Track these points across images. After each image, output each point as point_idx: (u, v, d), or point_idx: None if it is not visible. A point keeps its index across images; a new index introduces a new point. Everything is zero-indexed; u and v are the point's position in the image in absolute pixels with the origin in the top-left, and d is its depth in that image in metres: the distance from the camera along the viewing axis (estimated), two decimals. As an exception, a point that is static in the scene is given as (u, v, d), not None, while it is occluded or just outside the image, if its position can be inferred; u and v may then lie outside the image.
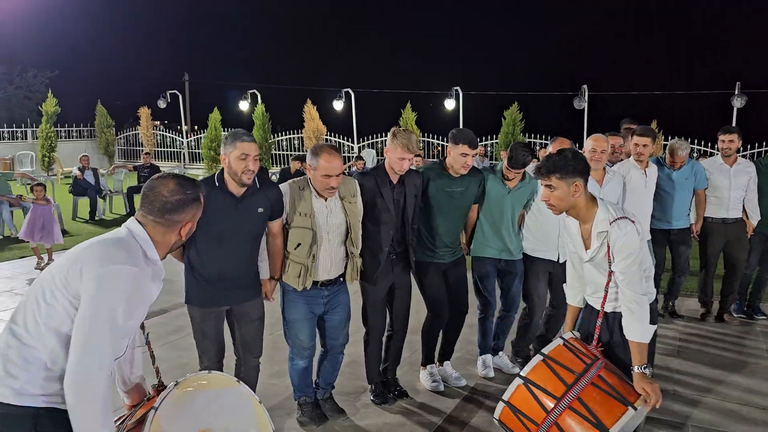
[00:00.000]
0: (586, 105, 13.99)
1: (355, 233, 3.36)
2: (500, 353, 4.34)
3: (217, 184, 3.01)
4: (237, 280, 3.12)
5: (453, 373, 4.12)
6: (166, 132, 22.08)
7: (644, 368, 2.46)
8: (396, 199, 3.56)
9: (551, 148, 4.17)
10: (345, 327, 3.53)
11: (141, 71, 36.61)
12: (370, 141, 17.80)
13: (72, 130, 22.60)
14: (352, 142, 18.05)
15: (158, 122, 23.64)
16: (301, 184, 3.27)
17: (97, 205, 11.37)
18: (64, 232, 9.90)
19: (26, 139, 21.19)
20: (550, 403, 2.45)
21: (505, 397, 2.57)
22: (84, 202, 11.39)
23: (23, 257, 8.03)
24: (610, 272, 2.55)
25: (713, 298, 5.47)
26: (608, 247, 2.50)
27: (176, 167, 19.15)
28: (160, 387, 2.17)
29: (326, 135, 18.00)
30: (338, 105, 16.68)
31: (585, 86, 13.84)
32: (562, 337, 2.68)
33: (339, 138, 18.27)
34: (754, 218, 5.14)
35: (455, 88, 15.45)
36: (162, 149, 21.93)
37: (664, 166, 5.01)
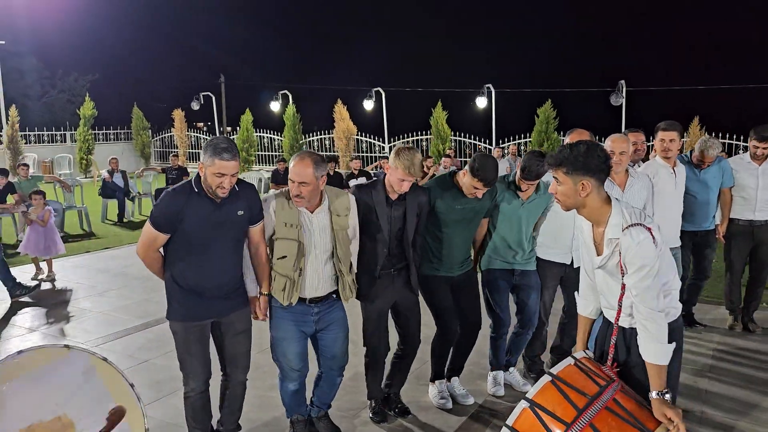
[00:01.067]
0: (624, 101, 13.45)
1: (341, 249, 3.13)
2: (512, 369, 4.06)
3: (195, 189, 2.83)
4: (221, 290, 2.95)
5: (461, 390, 3.87)
6: (201, 134, 22.38)
7: (664, 393, 2.19)
8: (393, 217, 3.31)
9: (568, 140, 3.87)
10: (342, 346, 3.28)
11: (176, 74, 37.46)
12: (401, 141, 17.59)
13: (109, 133, 23.15)
14: (383, 141, 17.87)
15: (201, 124, 24.00)
16: (287, 194, 3.08)
17: (125, 207, 11.50)
18: (92, 234, 10.06)
19: (65, 142, 21.77)
20: (558, 430, 2.20)
21: (509, 422, 2.32)
22: (113, 205, 11.53)
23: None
24: (623, 285, 2.28)
25: (740, 305, 5.08)
26: (620, 255, 2.23)
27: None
28: None
29: (357, 135, 17.88)
30: (368, 104, 16.51)
31: (622, 81, 13.30)
32: (573, 356, 2.42)
33: (369, 138, 18.13)
34: None
35: (487, 86, 15.09)
36: (196, 150, 22.24)
37: (691, 165, 4.66)
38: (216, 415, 3.24)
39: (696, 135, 13.00)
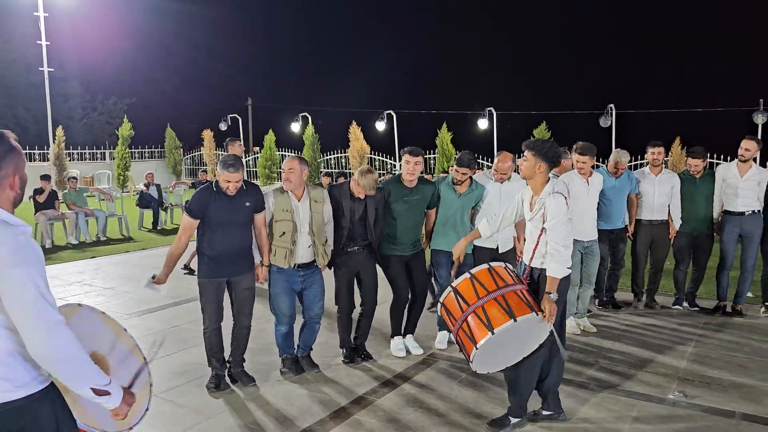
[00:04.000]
0: (613, 122, 14.52)
1: (316, 226, 4.40)
2: (455, 330, 5.24)
3: (215, 189, 4.13)
4: (233, 258, 4.20)
5: (414, 344, 5.06)
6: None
7: (552, 295, 3.37)
8: (355, 209, 4.57)
9: (497, 160, 5.09)
10: (319, 301, 4.55)
11: (205, 98, 39.82)
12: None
13: (144, 151, 24.94)
14: (394, 160, 19.14)
15: (238, 142, 25.61)
16: (281, 190, 4.36)
17: (159, 216, 12.96)
18: (131, 239, 11.49)
19: (105, 159, 23.61)
20: (465, 305, 3.40)
21: (441, 299, 3.58)
22: (148, 214, 13.00)
23: (93, 257, 9.54)
24: (543, 229, 3.47)
25: (642, 289, 6.29)
26: (544, 209, 3.48)
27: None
28: None
29: (370, 154, 19.21)
30: (380, 126, 17.82)
31: (611, 105, 14.39)
32: (489, 264, 3.58)
33: (381, 156, 19.44)
34: (677, 222, 5.90)
35: (488, 108, 16.30)
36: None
37: (608, 175, 5.80)
38: (227, 351, 4.48)
39: (677, 154, 14.01)
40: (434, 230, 5.04)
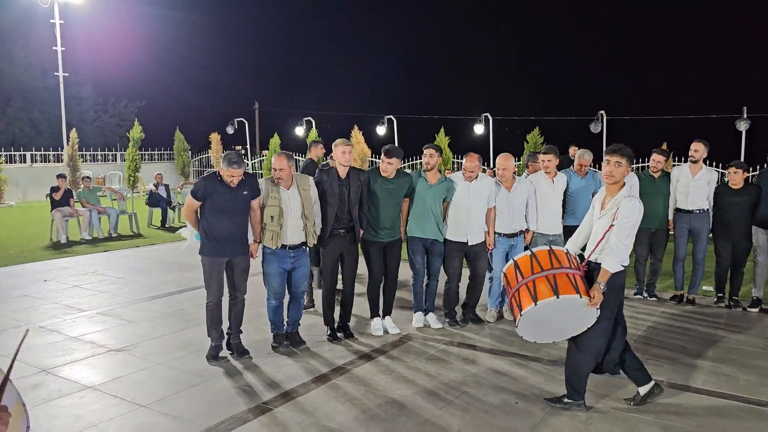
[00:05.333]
0: (604, 128, 15.08)
1: (308, 210, 5.02)
2: (430, 314, 5.84)
3: (218, 178, 4.76)
4: (232, 240, 4.82)
5: (391, 324, 5.66)
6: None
7: (601, 285, 3.69)
8: (341, 189, 5.19)
9: (465, 160, 5.69)
10: (305, 279, 5.20)
11: (213, 102, 40.97)
12: (408, 162, 19.45)
13: (154, 153, 25.71)
14: (396, 163, 19.73)
15: (240, 147, 26.31)
16: (273, 180, 4.99)
17: (167, 215, 13.65)
18: (140, 235, 12.17)
19: (116, 161, 24.40)
20: (520, 278, 3.84)
21: (504, 269, 4.06)
22: (157, 212, 13.70)
23: (106, 251, 10.22)
24: (611, 226, 3.74)
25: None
26: (617, 210, 3.74)
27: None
28: None
29: (371, 157, 19.83)
30: (381, 130, 18.45)
31: (602, 112, 14.96)
32: (550, 247, 3.96)
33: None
34: None
35: (485, 114, 16.91)
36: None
37: (574, 175, 6.37)
38: (225, 326, 5.10)
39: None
40: (409, 220, 5.65)
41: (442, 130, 17.39)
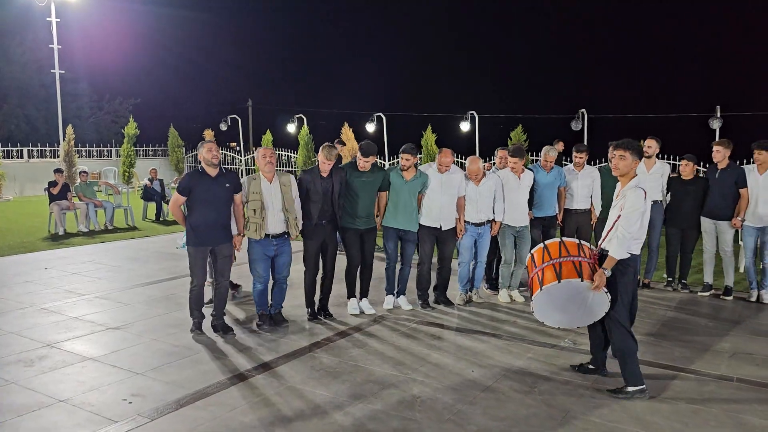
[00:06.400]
0: (585, 126, 15.59)
1: (288, 204, 5.51)
2: (401, 296, 6.35)
3: (200, 171, 5.25)
4: (215, 229, 5.30)
5: (367, 305, 6.17)
6: (227, 152, 25.12)
7: (606, 271, 3.96)
8: (324, 186, 5.68)
9: (439, 156, 6.17)
10: (288, 266, 5.69)
11: (207, 99, 41.57)
12: (397, 159, 19.96)
13: (148, 150, 26.13)
14: (384, 160, 20.23)
15: (234, 144, 26.75)
16: (254, 176, 5.48)
17: (161, 209, 14.10)
18: (135, 228, 12.62)
19: (111, 157, 24.81)
20: (536, 266, 4.29)
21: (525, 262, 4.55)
22: (152, 206, 14.16)
23: (102, 242, 10.67)
24: (619, 216, 3.97)
25: None
26: (625, 199, 3.97)
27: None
28: None
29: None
30: (371, 127, 18.89)
31: (583, 110, 15.47)
32: (561, 239, 4.34)
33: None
34: (597, 210, 6.96)
35: (471, 112, 17.39)
36: (223, 166, 24.85)
37: (541, 170, 6.87)
38: (208, 312, 5.59)
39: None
40: (386, 211, 6.14)
41: (429, 127, 17.88)
